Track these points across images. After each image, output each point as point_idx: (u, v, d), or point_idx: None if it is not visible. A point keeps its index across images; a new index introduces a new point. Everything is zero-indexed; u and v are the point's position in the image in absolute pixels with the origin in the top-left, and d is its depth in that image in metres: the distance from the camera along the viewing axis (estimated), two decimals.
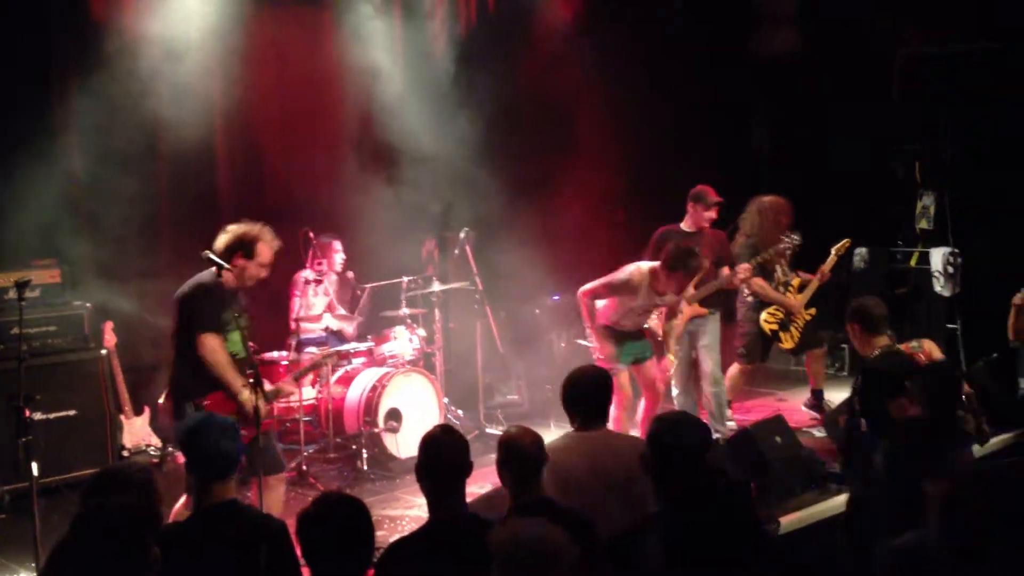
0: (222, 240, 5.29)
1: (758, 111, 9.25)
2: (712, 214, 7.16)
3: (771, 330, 7.53)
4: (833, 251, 7.64)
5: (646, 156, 9.31)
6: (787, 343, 7.59)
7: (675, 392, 7.29)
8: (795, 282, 7.66)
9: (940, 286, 8.60)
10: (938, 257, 8.60)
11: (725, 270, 7.14)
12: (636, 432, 6.41)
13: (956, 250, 8.53)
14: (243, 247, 5.25)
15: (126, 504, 2.97)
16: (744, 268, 7.04)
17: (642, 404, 6.86)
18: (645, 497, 3.88)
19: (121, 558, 2.82)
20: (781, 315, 7.56)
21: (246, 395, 5.09)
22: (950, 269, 8.50)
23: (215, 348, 5.10)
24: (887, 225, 8.89)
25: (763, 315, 7.54)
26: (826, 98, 9.24)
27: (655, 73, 9.57)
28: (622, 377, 6.57)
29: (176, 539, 3.39)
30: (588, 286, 6.66)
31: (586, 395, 4.45)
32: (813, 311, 7.66)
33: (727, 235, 7.51)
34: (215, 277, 5.16)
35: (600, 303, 6.72)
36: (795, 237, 7.35)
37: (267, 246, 5.32)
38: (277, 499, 5.33)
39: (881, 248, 9.15)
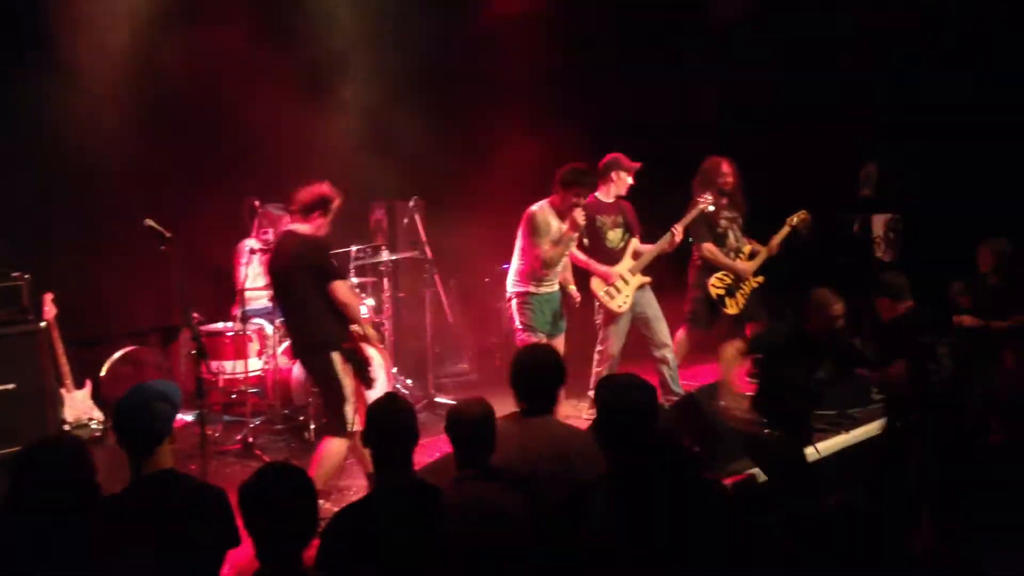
0: (304, 197, 5.58)
1: (710, 79, 9.23)
2: (631, 180, 7.15)
3: (717, 294, 7.57)
4: (788, 222, 7.69)
5: (598, 124, 9.28)
6: (731, 308, 7.63)
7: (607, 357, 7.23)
8: (746, 249, 7.71)
9: (881, 252, 8.72)
10: (880, 223, 8.71)
11: (709, 246, 7.26)
12: None
13: (898, 216, 8.64)
14: (323, 205, 5.58)
15: (59, 476, 2.91)
16: (677, 229, 7.08)
17: None
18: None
19: (56, 529, 2.77)
20: (729, 280, 7.61)
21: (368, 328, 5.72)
22: (891, 235, 8.63)
23: (348, 292, 5.55)
24: (831, 192, 8.95)
25: (711, 279, 7.59)
26: (777, 66, 9.26)
27: (607, 39, 9.54)
28: None
29: (113, 510, 3.34)
30: (527, 255, 6.59)
31: (532, 378, 4.25)
32: (761, 279, 7.72)
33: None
34: (305, 232, 5.52)
35: (516, 267, 6.67)
36: (708, 197, 7.35)
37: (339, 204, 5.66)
38: None
39: (826, 215, 9.24)
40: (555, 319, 6.68)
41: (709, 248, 7.53)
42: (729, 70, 9.22)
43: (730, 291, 7.59)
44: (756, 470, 5.78)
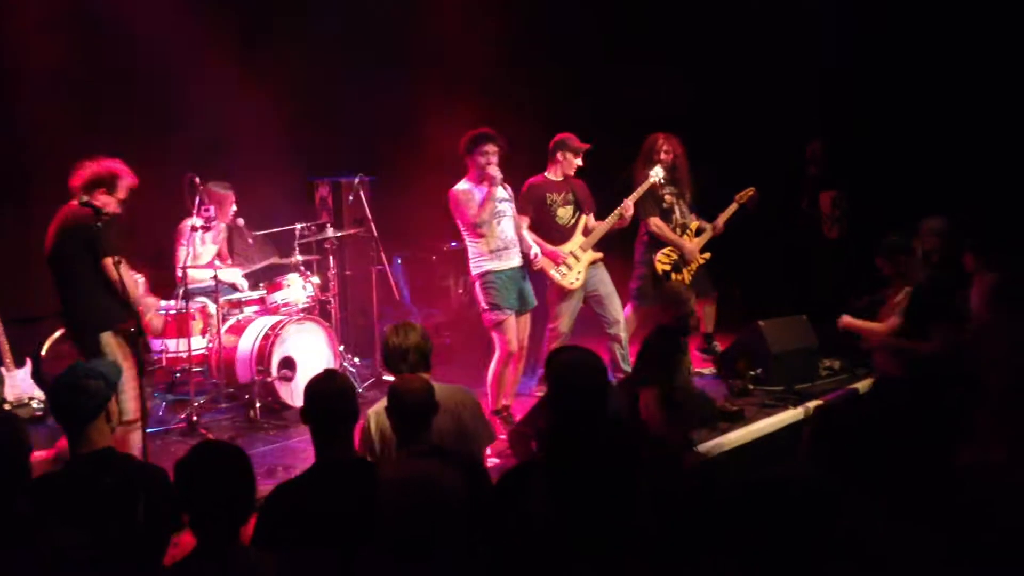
0: (81, 175, 5.38)
1: (655, 56, 9.23)
2: (579, 161, 7.12)
3: (663, 270, 7.61)
4: (735, 199, 7.74)
5: (545, 100, 9.25)
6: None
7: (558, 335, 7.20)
8: (693, 225, 7.75)
9: (827, 229, 8.82)
10: (826, 200, 8.80)
11: (656, 220, 7.25)
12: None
13: (843, 193, 8.74)
14: (106, 183, 5.38)
15: None
16: (626, 204, 7.09)
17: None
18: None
19: None
20: (675, 256, 7.65)
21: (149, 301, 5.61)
22: (837, 212, 8.73)
23: (121, 271, 5.20)
24: (779, 170, 9.00)
25: (658, 255, 7.61)
26: (722, 43, 9.28)
27: (554, 8, 9.49)
28: (508, 323, 6.51)
29: (49, 489, 3.28)
30: (468, 230, 6.55)
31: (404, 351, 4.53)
32: (708, 255, 7.76)
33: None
34: (84, 210, 5.23)
35: (471, 250, 6.61)
36: (658, 171, 7.37)
37: (129, 182, 5.45)
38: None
39: (775, 193, 9.31)
40: (522, 295, 6.61)
41: (656, 223, 7.56)
42: (675, 43, 9.21)
43: (676, 267, 7.63)
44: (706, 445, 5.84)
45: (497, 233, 6.50)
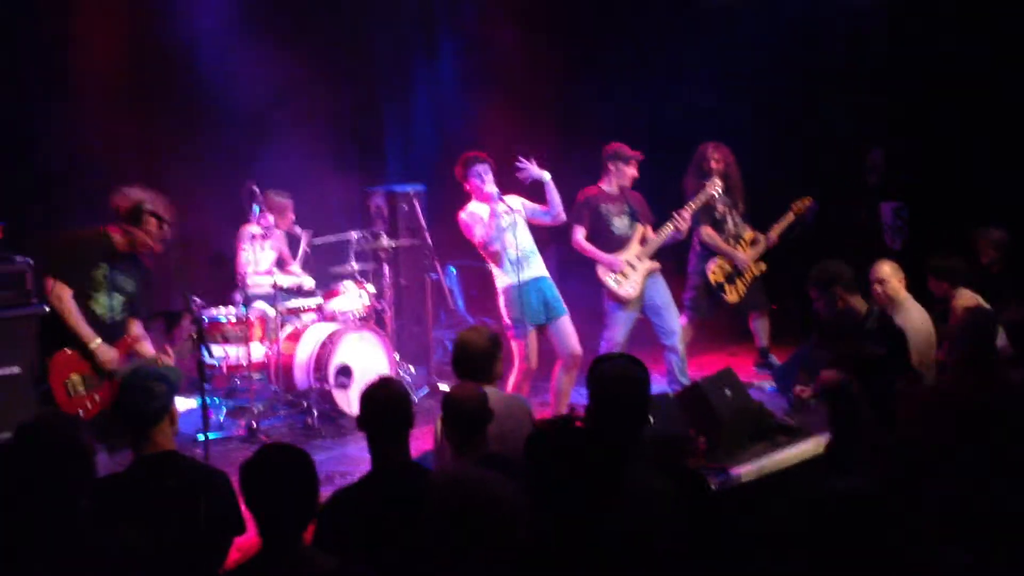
0: (120, 202, 5.19)
1: (710, 63, 9.19)
2: (632, 170, 7.09)
3: (716, 281, 7.55)
4: (792, 209, 7.65)
5: (599, 110, 9.25)
6: (731, 296, 7.61)
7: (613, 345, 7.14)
8: (747, 236, 7.69)
9: (889, 240, 8.69)
10: (887, 211, 8.68)
11: (708, 229, 7.21)
12: None
13: (903, 204, 8.61)
14: (131, 214, 5.16)
15: (51, 455, 2.91)
16: (683, 215, 7.06)
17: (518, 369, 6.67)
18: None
19: (48, 510, 2.78)
20: (728, 268, 7.59)
21: (97, 342, 5.03)
22: (899, 223, 8.60)
23: (61, 296, 4.98)
24: (834, 180, 8.89)
25: (710, 266, 7.56)
26: (781, 51, 9.19)
27: (606, 27, 9.50)
28: (528, 340, 6.55)
29: (113, 490, 3.34)
30: (482, 250, 6.67)
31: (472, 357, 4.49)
32: (764, 267, 7.69)
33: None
34: (97, 234, 5.14)
35: (492, 269, 6.69)
36: (717, 182, 7.31)
37: (158, 216, 5.20)
38: None
39: (831, 203, 9.20)
40: (547, 305, 6.62)
41: (708, 233, 7.52)
42: (729, 54, 9.15)
43: (729, 278, 7.57)
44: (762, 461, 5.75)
45: (510, 244, 6.54)
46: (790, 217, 7.66)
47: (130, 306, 5.27)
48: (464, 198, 6.75)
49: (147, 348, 5.37)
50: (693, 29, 9.39)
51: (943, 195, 8.43)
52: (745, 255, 7.60)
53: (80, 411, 4.97)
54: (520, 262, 6.52)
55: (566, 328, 6.66)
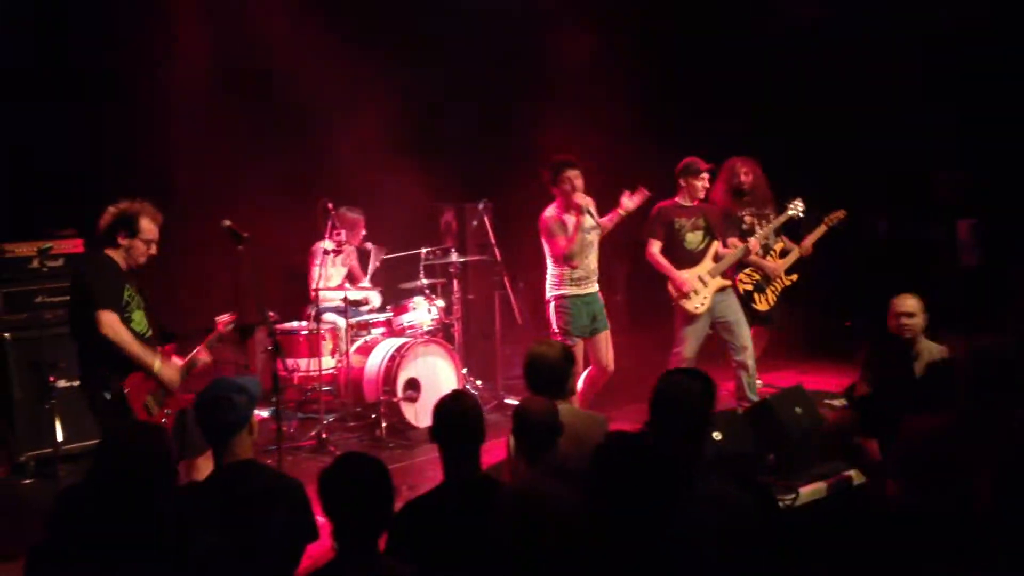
0: (103, 221, 5.09)
1: (780, 72, 9.14)
2: (704, 183, 7.11)
3: (744, 290, 7.51)
4: (824, 221, 7.57)
5: (662, 123, 9.24)
6: (761, 304, 7.58)
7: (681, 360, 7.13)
8: (778, 246, 7.64)
9: (966, 257, 8.55)
10: (964, 228, 8.55)
11: (734, 240, 7.17)
12: None
13: (980, 221, 8.47)
14: (124, 225, 5.07)
15: (136, 462, 3.01)
16: (753, 242, 7.14)
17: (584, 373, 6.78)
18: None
19: (133, 516, 2.88)
20: (758, 276, 7.55)
21: (157, 364, 5.02)
22: (975, 240, 8.46)
23: (114, 325, 4.90)
24: (909, 197, 8.79)
25: (739, 275, 7.52)
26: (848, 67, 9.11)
27: (669, 31, 9.52)
28: (575, 349, 6.57)
29: (193, 498, 3.44)
30: (554, 256, 6.72)
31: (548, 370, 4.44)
32: (795, 277, 7.66)
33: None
34: (104, 255, 5.06)
35: (552, 272, 6.78)
36: (798, 204, 7.30)
37: (150, 221, 5.12)
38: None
39: (902, 219, 9.08)
40: (593, 320, 6.76)
41: (733, 243, 7.49)
42: (807, 69, 9.09)
43: (758, 287, 7.54)
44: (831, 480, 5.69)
45: (584, 264, 6.69)
46: (823, 229, 7.56)
47: (152, 318, 5.28)
48: (541, 205, 6.81)
49: (177, 360, 5.36)
50: (771, 46, 9.37)
51: (1021, 211, 8.26)
52: (774, 264, 7.56)
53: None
54: (582, 279, 6.69)
55: (605, 343, 6.81)
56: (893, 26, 8.78)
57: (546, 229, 6.70)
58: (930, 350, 5.77)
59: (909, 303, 5.79)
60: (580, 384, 6.68)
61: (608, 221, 6.81)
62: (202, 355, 5.35)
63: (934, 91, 8.62)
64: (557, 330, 6.72)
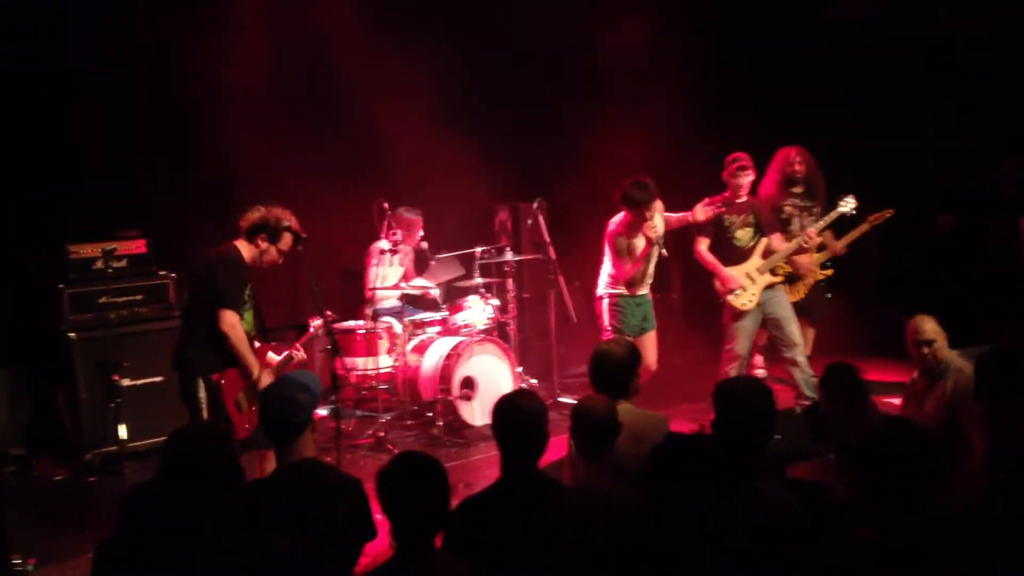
0: (250, 217, 5.27)
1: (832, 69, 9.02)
2: (744, 180, 7.02)
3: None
4: (868, 221, 7.44)
5: (716, 122, 9.18)
6: (791, 295, 7.50)
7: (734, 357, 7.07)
8: (815, 240, 7.56)
9: None
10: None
11: (778, 237, 7.11)
12: None
13: None
14: (269, 230, 5.24)
15: (203, 460, 3.07)
16: (809, 233, 7.05)
17: None
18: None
19: (200, 513, 2.93)
20: (789, 269, 7.47)
21: (258, 372, 5.19)
22: None
23: (235, 324, 5.09)
24: (967, 194, 8.61)
25: None
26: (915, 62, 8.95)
27: (719, 26, 9.46)
28: None
29: (257, 495, 3.50)
30: (617, 267, 6.81)
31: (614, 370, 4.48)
32: (830, 272, 7.57)
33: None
34: (239, 253, 5.21)
35: (607, 272, 6.88)
36: (849, 200, 7.16)
37: (291, 235, 5.29)
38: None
39: (965, 219, 8.88)
40: (644, 319, 6.89)
41: (779, 238, 7.44)
42: (855, 63, 8.96)
43: (790, 279, 7.44)
44: None
45: (642, 269, 6.80)
46: (864, 228, 7.42)
47: (258, 318, 5.45)
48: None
49: (273, 356, 5.53)
50: (817, 39, 9.25)
51: None
52: (807, 258, 7.45)
53: (247, 424, 5.16)
54: (637, 283, 6.81)
55: (651, 343, 6.91)
56: (954, 16, 8.61)
57: (613, 244, 6.81)
58: (958, 365, 5.37)
59: (928, 329, 5.42)
60: None
61: (676, 221, 6.90)
62: (298, 353, 5.54)
63: (1000, 81, 8.43)
64: (609, 327, 6.81)
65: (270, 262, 5.34)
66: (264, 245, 5.26)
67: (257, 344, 5.45)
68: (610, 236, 6.80)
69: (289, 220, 5.32)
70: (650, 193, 6.59)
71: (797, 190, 7.48)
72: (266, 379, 5.25)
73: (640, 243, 6.72)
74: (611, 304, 6.86)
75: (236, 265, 5.19)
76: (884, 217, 7.49)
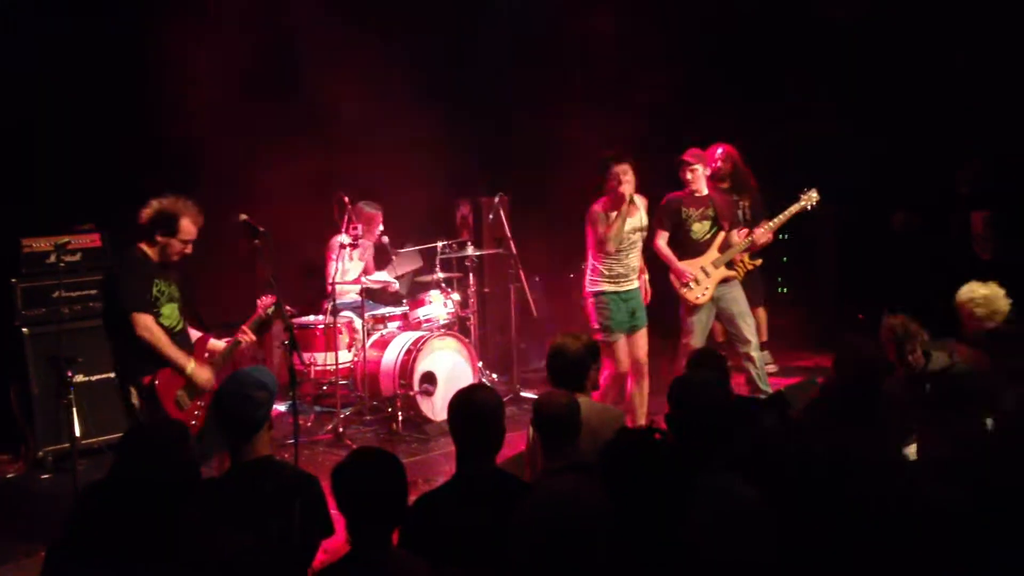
0: (145, 214, 5.15)
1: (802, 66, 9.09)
2: (685, 174, 7.07)
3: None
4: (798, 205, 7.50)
5: (682, 116, 9.22)
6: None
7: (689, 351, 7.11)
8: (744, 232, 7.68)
9: (980, 249, 8.48)
10: (978, 221, 8.48)
11: (743, 231, 7.15)
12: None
13: (995, 213, 8.40)
14: (164, 224, 5.13)
15: (158, 458, 3.03)
16: (768, 225, 7.15)
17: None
18: None
19: (153, 514, 2.89)
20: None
21: (191, 367, 5.12)
22: (991, 231, 8.39)
23: (149, 326, 5.01)
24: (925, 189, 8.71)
25: None
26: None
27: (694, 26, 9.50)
28: (618, 345, 6.55)
29: (213, 493, 3.46)
30: (593, 247, 6.65)
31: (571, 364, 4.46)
32: (759, 262, 7.67)
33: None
34: (140, 253, 5.12)
35: (592, 268, 6.70)
36: (812, 195, 7.21)
37: (191, 222, 5.17)
38: None
39: (922, 213, 8.99)
40: (633, 315, 6.68)
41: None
42: (827, 64, 9.04)
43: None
44: None
45: (624, 262, 6.61)
46: (784, 218, 7.45)
47: (184, 311, 5.36)
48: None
49: (217, 343, 5.46)
50: (794, 42, 9.33)
51: None
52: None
53: (193, 421, 5.10)
54: (621, 277, 6.61)
55: (640, 339, 6.73)
56: (924, 22, 8.71)
57: (590, 219, 6.63)
58: (936, 358, 5.40)
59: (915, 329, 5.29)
60: (628, 397, 6.68)
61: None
62: (245, 336, 5.45)
63: (952, 82, 8.55)
64: (597, 327, 6.60)
65: (177, 254, 5.19)
66: (163, 240, 5.12)
67: (198, 334, 5.40)
68: (589, 214, 6.63)
69: (185, 211, 5.15)
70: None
71: (724, 185, 7.62)
72: (205, 372, 5.18)
73: (618, 228, 6.52)
74: (596, 303, 6.64)
75: (133, 267, 5.10)
76: (812, 199, 7.51)
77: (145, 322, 4.98)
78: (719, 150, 7.80)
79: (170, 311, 5.17)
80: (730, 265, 7.18)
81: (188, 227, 5.15)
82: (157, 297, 5.12)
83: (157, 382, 5.02)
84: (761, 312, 8.10)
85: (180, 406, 5.08)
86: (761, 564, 3.08)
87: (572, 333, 4.66)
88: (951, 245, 8.66)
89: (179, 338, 5.20)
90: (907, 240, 8.56)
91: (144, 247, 5.14)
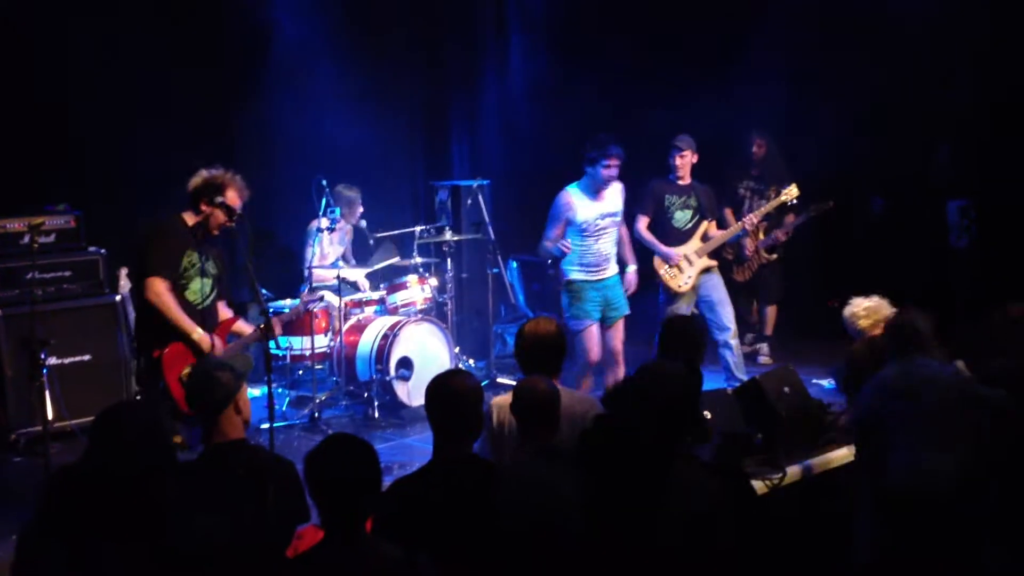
0: (192, 183, 5.18)
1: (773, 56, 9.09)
2: (675, 160, 7.07)
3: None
4: (811, 210, 7.54)
5: (661, 107, 9.20)
6: (737, 276, 7.63)
7: None
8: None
9: (956, 239, 8.55)
10: (953, 209, 8.55)
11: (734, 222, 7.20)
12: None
13: (970, 202, 8.46)
14: (210, 192, 5.14)
15: (134, 442, 3.02)
16: (752, 219, 7.21)
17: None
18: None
19: (126, 497, 2.88)
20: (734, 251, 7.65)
21: (198, 333, 5.07)
22: (966, 221, 8.46)
23: (161, 292, 4.98)
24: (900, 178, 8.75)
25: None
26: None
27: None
28: (588, 332, 6.48)
29: (186, 476, 3.45)
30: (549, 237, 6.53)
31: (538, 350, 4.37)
32: (774, 256, 7.71)
33: None
34: (176, 220, 5.12)
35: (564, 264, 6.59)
36: (791, 190, 7.26)
37: (236, 194, 5.20)
38: None
39: (896, 201, 9.04)
40: (608, 305, 6.59)
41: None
42: (795, 48, 9.04)
43: (737, 260, 7.62)
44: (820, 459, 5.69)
45: (593, 250, 6.51)
46: (767, 208, 7.48)
47: (217, 289, 5.36)
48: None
49: (245, 327, 5.46)
50: (760, 20, 9.29)
51: (1012, 193, 8.25)
52: (752, 241, 7.60)
53: None
54: (593, 265, 6.53)
55: (616, 330, 6.65)
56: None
57: (553, 206, 6.49)
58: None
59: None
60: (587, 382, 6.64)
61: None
62: (276, 328, 5.43)
63: (929, 68, 8.58)
64: (567, 314, 6.53)
65: (219, 226, 5.22)
66: (207, 209, 5.15)
67: (229, 313, 5.38)
68: (556, 201, 6.50)
69: (231, 182, 5.21)
70: (605, 138, 6.41)
71: (754, 173, 7.62)
72: (213, 342, 5.16)
73: (583, 204, 6.44)
74: (567, 291, 6.55)
75: (165, 231, 5.10)
76: (823, 209, 7.61)
77: (156, 287, 4.96)
78: (753, 135, 7.81)
79: (199, 286, 5.16)
80: (712, 255, 7.21)
81: (233, 197, 5.17)
82: (187, 268, 5.10)
83: (165, 354, 4.99)
84: (772, 307, 8.07)
85: (183, 383, 5.06)
86: (724, 551, 3.10)
87: (541, 319, 4.59)
88: (926, 234, 8.73)
89: (201, 315, 5.17)
90: (882, 228, 8.62)
91: (186, 216, 5.15)
